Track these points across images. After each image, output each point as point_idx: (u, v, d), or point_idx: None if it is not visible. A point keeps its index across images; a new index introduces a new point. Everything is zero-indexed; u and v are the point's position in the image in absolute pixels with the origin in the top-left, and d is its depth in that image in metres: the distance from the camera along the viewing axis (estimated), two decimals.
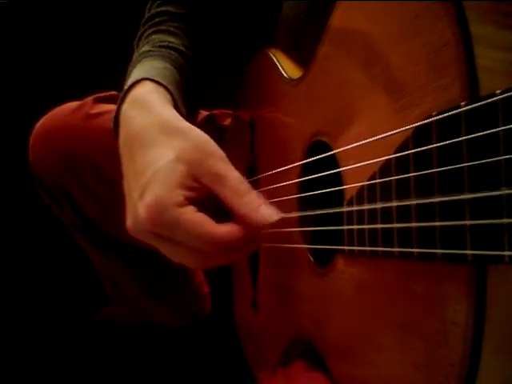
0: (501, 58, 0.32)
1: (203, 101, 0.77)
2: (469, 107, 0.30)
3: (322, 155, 0.52)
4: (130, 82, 0.56)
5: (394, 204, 0.38)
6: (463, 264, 0.33)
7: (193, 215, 0.45)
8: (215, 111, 0.94)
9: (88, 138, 0.81)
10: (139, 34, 0.70)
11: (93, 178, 0.84)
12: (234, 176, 0.47)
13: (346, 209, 0.47)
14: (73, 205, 0.87)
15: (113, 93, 0.85)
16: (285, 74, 0.67)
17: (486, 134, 0.29)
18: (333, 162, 0.50)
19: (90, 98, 0.87)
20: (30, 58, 1.37)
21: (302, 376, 0.58)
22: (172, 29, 0.68)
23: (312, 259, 0.57)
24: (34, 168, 0.86)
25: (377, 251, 0.41)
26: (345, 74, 0.49)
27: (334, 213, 0.50)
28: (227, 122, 0.92)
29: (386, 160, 0.39)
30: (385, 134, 0.39)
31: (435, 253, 0.33)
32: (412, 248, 0.36)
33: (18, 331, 1.23)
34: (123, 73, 0.62)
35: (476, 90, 0.31)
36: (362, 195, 0.43)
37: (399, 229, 0.37)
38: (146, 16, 0.71)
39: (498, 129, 0.28)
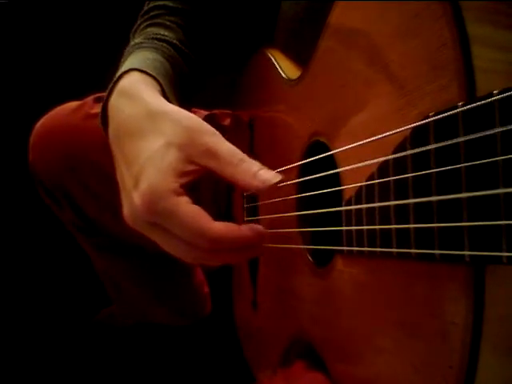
0: (498, 58, 0.32)
1: (202, 101, 0.77)
2: (466, 107, 0.30)
3: (321, 155, 0.52)
4: (118, 73, 0.56)
5: (392, 204, 0.38)
6: (461, 265, 0.33)
7: (187, 206, 0.45)
8: (215, 111, 0.94)
9: (88, 138, 0.81)
10: (135, 26, 0.69)
11: (93, 178, 0.84)
12: (226, 148, 0.46)
13: (344, 208, 0.47)
14: (73, 205, 0.87)
15: None
16: (283, 74, 0.67)
17: (484, 135, 0.29)
18: (331, 162, 0.50)
19: (90, 98, 0.88)
20: (30, 57, 1.37)
21: (302, 376, 0.58)
22: (168, 23, 0.68)
23: (311, 259, 0.57)
24: (34, 168, 0.86)
25: (375, 251, 0.41)
26: (343, 75, 0.49)
27: (332, 213, 0.50)
28: (227, 122, 0.92)
29: (384, 160, 0.39)
30: (383, 135, 0.39)
31: (433, 253, 0.33)
32: (410, 249, 0.36)
33: (17, 331, 1.23)
34: None
35: (473, 91, 0.31)
36: (360, 195, 0.43)
37: (397, 229, 0.37)
38: (144, 9, 0.70)
39: (495, 130, 0.28)
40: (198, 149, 0.46)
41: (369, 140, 0.41)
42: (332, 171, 0.49)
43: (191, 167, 0.46)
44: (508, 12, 0.33)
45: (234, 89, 0.86)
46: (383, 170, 0.39)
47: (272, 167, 0.65)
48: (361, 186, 0.43)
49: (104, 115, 0.56)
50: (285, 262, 0.65)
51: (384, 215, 0.39)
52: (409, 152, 0.35)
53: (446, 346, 0.34)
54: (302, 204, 0.59)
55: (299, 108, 0.60)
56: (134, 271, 0.96)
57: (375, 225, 0.40)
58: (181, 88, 0.63)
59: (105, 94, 0.85)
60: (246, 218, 0.78)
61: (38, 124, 0.86)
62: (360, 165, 0.43)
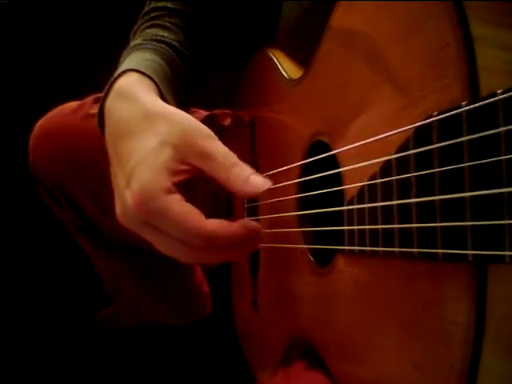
0: (502, 57, 0.32)
1: (202, 101, 0.77)
2: (470, 107, 0.30)
3: (322, 155, 0.52)
4: (115, 74, 0.56)
5: (395, 204, 0.38)
6: (464, 264, 0.33)
7: (180, 205, 0.45)
8: (215, 111, 0.94)
9: (88, 138, 0.81)
10: (135, 27, 0.69)
11: (92, 178, 0.84)
12: (219, 150, 0.46)
13: (346, 207, 0.47)
14: (73, 205, 0.87)
15: None
16: (285, 74, 0.67)
17: (487, 134, 0.29)
18: (333, 162, 0.50)
19: (89, 98, 0.87)
20: (30, 57, 1.37)
21: (302, 376, 0.58)
22: (168, 24, 0.67)
23: (312, 259, 0.57)
24: (34, 168, 0.86)
25: (377, 251, 0.41)
26: (345, 75, 0.49)
27: (334, 213, 0.50)
28: (227, 122, 0.92)
29: (387, 160, 0.39)
30: (385, 134, 0.39)
31: (436, 253, 0.34)
32: (413, 248, 0.36)
33: (16, 332, 1.23)
34: None
35: (477, 90, 0.32)
36: (362, 195, 0.43)
37: (400, 229, 0.37)
38: (144, 10, 0.70)
39: (499, 129, 0.28)
40: (192, 150, 0.46)
41: (371, 139, 0.41)
42: (334, 171, 0.49)
43: (184, 167, 0.46)
44: (509, 12, 0.33)
45: (235, 89, 0.86)
46: (386, 169, 0.39)
47: (273, 167, 0.66)
48: (363, 186, 0.43)
49: (101, 116, 0.55)
50: (285, 262, 0.65)
51: (386, 215, 0.39)
52: (412, 151, 0.36)
53: (448, 345, 0.34)
54: (304, 204, 0.59)
55: (301, 108, 0.60)
56: (133, 271, 0.96)
57: (377, 224, 0.40)
58: (180, 89, 0.63)
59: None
60: (246, 218, 0.78)
61: (38, 124, 0.86)
62: (362, 164, 0.43)
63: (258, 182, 0.46)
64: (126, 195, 0.46)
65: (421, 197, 0.35)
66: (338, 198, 0.49)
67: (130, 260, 0.93)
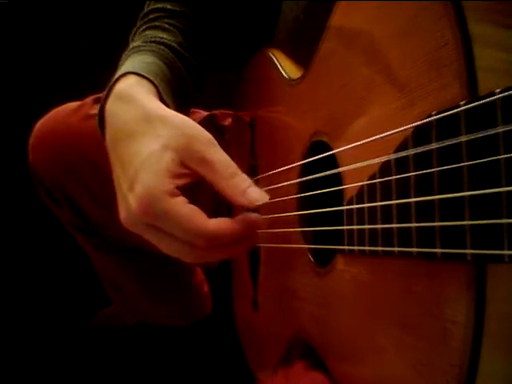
0: (500, 57, 0.32)
1: (202, 101, 0.77)
2: (468, 106, 0.30)
3: (322, 155, 0.52)
4: (115, 76, 0.56)
5: (394, 203, 0.38)
6: (463, 263, 0.33)
7: (184, 207, 0.45)
8: (215, 111, 0.94)
9: (87, 139, 0.81)
10: (134, 29, 0.69)
11: (92, 178, 0.84)
12: (220, 159, 0.46)
13: (346, 207, 0.47)
14: (72, 205, 0.87)
15: None
16: (284, 74, 0.67)
17: (486, 133, 0.29)
18: (332, 161, 0.50)
19: (89, 99, 0.87)
20: (30, 58, 1.37)
21: (303, 376, 0.58)
22: (166, 25, 0.67)
23: (312, 259, 0.57)
24: (34, 168, 0.86)
25: (377, 251, 0.41)
26: (344, 74, 0.49)
27: (333, 213, 0.50)
28: (227, 122, 0.92)
29: (386, 160, 0.39)
30: (384, 134, 0.39)
31: (435, 252, 0.34)
32: (412, 247, 0.36)
33: (16, 331, 1.23)
34: None
35: (475, 90, 0.32)
36: (361, 195, 0.43)
37: (399, 228, 0.37)
38: (143, 12, 0.70)
39: (497, 129, 0.28)
40: (193, 155, 0.46)
41: (370, 139, 0.41)
42: (334, 171, 0.49)
43: (186, 170, 0.47)
44: (508, 11, 0.33)
45: (235, 89, 0.86)
46: (385, 169, 0.39)
47: (273, 167, 0.66)
48: (362, 186, 0.43)
49: (101, 118, 0.56)
50: (285, 262, 0.65)
51: (386, 214, 0.39)
52: (411, 151, 0.36)
53: (447, 345, 0.34)
54: (303, 203, 0.59)
55: (300, 107, 0.60)
56: (133, 271, 0.96)
57: (377, 224, 0.40)
58: (179, 91, 0.63)
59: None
60: None
61: (38, 124, 0.86)
62: (362, 164, 0.43)
63: (255, 195, 0.46)
64: (130, 199, 0.47)
65: (420, 196, 0.35)
66: (338, 198, 0.49)
67: (130, 260, 0.93)
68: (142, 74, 0.55)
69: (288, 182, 0.61)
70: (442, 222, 0.33)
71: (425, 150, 0.34)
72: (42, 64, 1.38)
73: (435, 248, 0.33)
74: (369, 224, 0.42)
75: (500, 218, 0.28)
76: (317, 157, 0.53)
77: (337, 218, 0.49)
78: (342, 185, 0.48)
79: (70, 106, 0.87)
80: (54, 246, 1.32)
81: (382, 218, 0.40)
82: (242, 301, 0.86)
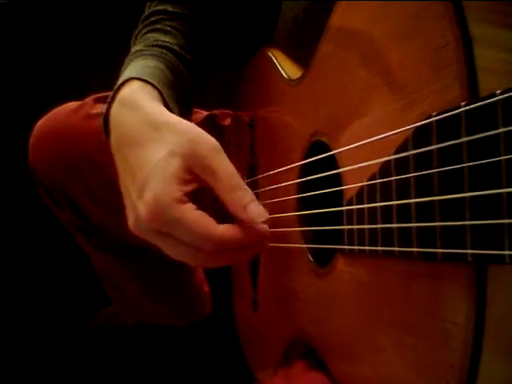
0: (501, 58, 0.32)
1: (202, 101, 0.77)
2: (469, 107, 0.30)
3: (322, 155, 0.52)
4: (119, 82, 0.56)
5: (394, 204, 0.38)
6: (463, 264, 0.33)
7: (192, 213, 0.46)
8: (215, 111, 0.94)
9: (88, 139, 0.81)
10: (136, 32, 0.69)
11: (92, 178, 0.84)
12: (225, 170, 0.47)
13: (346, 208, 0.47)
14: (72, 205, 0.87)
15: None
16: (284, 74, 0.67)
17: (486, 134, 0.29)
18: (332, 162, 0.50)
19: (90, 98, 0.87)
20: (30, 58, 1.37)
21: (303, 376, 0.58)
22: (168, 28, 0.67)
23: (312, 259, 0.57)
24: (34, 168, 0.86)
25: (377, 251, 0.41)
26: (344, 75, 0.49)
27: (333, 213, 0.50)
28: (227, 122, 0.92)
29: (386, 160, 0.39)
30: (385, 134, 0.39)
31: (435, 252, 0.33)
32: (412, 248, 0.36)
33: (16, 331, 1.23)
34: None
35: (476, 91, 0.31)
36: (361, 195, 0.43)
37: (399, 228, 0.37)
38: (144, 14, 0.70)
39: (498, 130, 0.28)
40: (198, 161, 0.47)
41: (371, 140, 0.41)
42: (334, 171, 0.49)
43: (192, 177, 0.47)
44: (508, 12, 0.33)
45: (235, 89, 0.86)
46: (385, 169, 0.39)
47: (273, 167, 0.66)
48: (362, 186, 0.43)
49: (106, 123, 0.56)
50: (285, 262, 0.65)
51: (386, 215, 0.39)
52: (411, 152, 0.35)
53: (448, 346, 0.34)
54: (303, 204, 0.59)
55: (300, 108, 0.60)
56: (133, 271, 0.96)
57: (377, 224, 0.40)
58: (182, 94, 0.64)
59: (105, 94, 0.85)
60: None
61: (38, 124, 0.86)
62: (362, 165, 0.43)
63: (255, 212, 0.47)
64: (139, 206, 0.47)
65: (420, 197, 0.35)
66: (338, 199, 0.49)
67: (130, 260, 0.93)
68: (146, 79, 0.56)
69: (288, 183, 0.61)
70: (443, 222, 0.33)
71: (425, 150, 0.34)
72: (42, 64, 1.38)
73: (436, 248, 0.33)
74: (369, 224, 0.42)
75: (501, 219, 0.28)
76: (316, 157, 0.53)
77: (337, 219, 0.49)
78: (341, 185, 0.48)
79: (70, 105, 0.87)
80: (54, 246, 1.32)
81: (382, 218, 0.40)
82: (241, 301, 0.86)
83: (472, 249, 0.30)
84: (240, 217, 0.46)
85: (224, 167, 0.47)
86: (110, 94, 0.56)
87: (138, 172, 0.48)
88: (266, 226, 0.48)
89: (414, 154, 0.35)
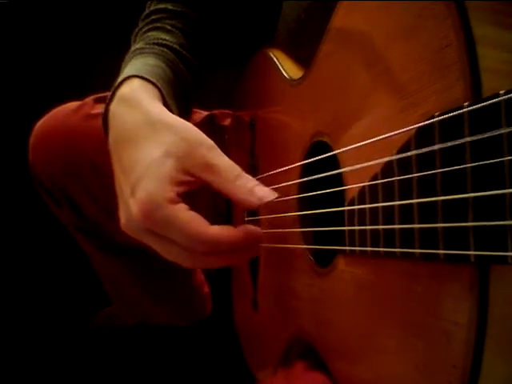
0: (504, 58, 0.32)
1: (202, 101, 0.77)
2: (472, 108, 0.30)
3: (323, 155, 0.52)
4: (118, 79, 0.56)
5: (396, 204, 0.38)
6: (465, 264, 0.32)
7: (185, 213, 0.46)
8: (215, 111, 0.94)
9: (88, 139, 0.81)
10: (136, 30, 0.69)
11: (92, 179, 0.84)
12: (223, 163, 0.47)
13: (347, 208, 0.47)
14: (72, 205, 0.87)
15: None
16: (285, 74, 0.67)
17: (490, 135, 0.29)
18: (334, 162, 0.50)
19: (90, 98, 0.87)
20: (30, 57, 1.37)
21: (303, 376, 0.58)
22: (168, 27, 0.68)
23: (312, 259, 0.57)
24: (34, 168, 0.86)
25: (378, 251, 0.41)
26: (346, 75, 0.49)
27: (334, 213, 0.50)
28: (227, 122, 0.92)
29: (389, 160, 0.39)
30: (387, 135, 0.39)
31: (437, 253, 0.33)
32: (414, 248, 0.36)
33: (16, 331, 1.23)
34: None
35: (479, 91, 0.31)
36: (363, 196, 0.43)
37: (401, 229, 0.37)
38: (145, 13, 0.70)
39: (501, 130, 0.28)
40: (195, 161, 0.47)
41: (373, 140, 0.41)
42: (335, 171, 0.49)
43: (188, 178, 0.47)
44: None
45: (235, 89, 0.86)
46: (387, 170, 0.39)
47: (273, 167, 0.66)
48: (364, 186, 0.43)
49: (105, 121, 0.56)
50: (286, 262, 0.65)
51: (388, 215, 0.39)
52: (414, 152, 0.35)
53: (450, 346, 0.34)
54: (304, 204, 0.59)
55: (301, 108, 0.60)
56: (133, 271, 0.96)
57: (379, 225, 0.40)
58: (182, 93, 0.64)
59: (105, 94, 0.85)
60: (246, 218, 0.78)
61: (38, 124, 0.86)
62: (364, 165, 0.43)
63: (263, 193, 0.46)
64: (131, 204, 0.47)
65: (422, 197, 0.35)
66: (339, 199, 0.49)
67: (130, 260, 0.93)
68: (146, 77, 0.56)
69: (289, 182, 0.61)
70: (445, 223, 0.33)
71: (428, 150, 0.34)
72: (42, 64, 1.38)
73: (438, 249, 0.33)
74: (370, 225, 0.42)
75: (504, 220, 0.28)
76: (318, 157, 0.53)
77: (338, 219, 0.49)
78: (343, 185, 0.48)
79: (70, 105, 0.87)
80: (54, 246, 1.32)
81: (384, 218, 0.40)
82: (241, 300, 0.86)
83: (475, 250, 0.30)
84: (248, 201, 0.46)
85: (222, 161, 0.47)
86: (110, 91, 0.56)
87: (132, 170, 0.48)
88: (259, 228, 0.48)
89: (417, 155, 0.35)
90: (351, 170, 0.46)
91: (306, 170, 0.58)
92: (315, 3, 0.64)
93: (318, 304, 0.55)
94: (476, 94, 0.31)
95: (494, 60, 0.32)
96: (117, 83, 0.56)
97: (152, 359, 1.09)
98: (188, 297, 1.04)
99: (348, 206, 0.47)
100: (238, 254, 0.48)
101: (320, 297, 0.55)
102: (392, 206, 0.38)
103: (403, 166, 0.37)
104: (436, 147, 0.33)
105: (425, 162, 0.34)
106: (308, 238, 0.59)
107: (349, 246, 0.46)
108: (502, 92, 0.28)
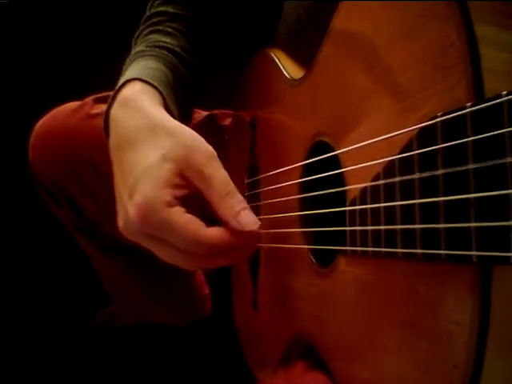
0: (506, 59, 0.32)
1: (202, 101, 0.77)
2: (474, 108, 0.30)
3: (325, 155, 0.52)
4: (120, 82, 0.56)
5: (398, 205, 0.38)
6: (467, 265, 0.32)
7: (182, 216, 0.46)
8: (215, 111, 0.94)
9: (88, 139, 0.81)
10: (137, 33, 0.69)
11: (92, 179, 0.84)
12: (218, 176, 0.47)
13: (348, 208, 0.47)
14: (72, 205, 0.87)
15: None
16: (286, 74, 0.67)
17: (492, 135, 0.29)
18: (335, 162, 0.50)
19: (90, 99, 0.87)
20: (30, 57, 1.37)
21: (303, 376, 0.58)
22: (169, 29, 0.68)
23: (313, 259, 0.57)
24: (34, 168, 0.86)
25: (380, 252, 0.41)
26: (348, 75, 0.49)
27: (335, 214, 0.50)
28: (227, 122, 0.92)
29: (390, 161, 0.39)
30: (389, 135, 0.39)
31: (439, 254, 0.33)
32: (416, 249, 0.36)
33: (16, 331, 1.23)
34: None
35: (481, 91, 0.31)
36: (365, 196, 0.43)
37: (403, 229, 0.37)
38: (145, 15, 0.70)
39: (504, 131, 0.28)
40: (191, 166, 0.47)
41: (375, 140, 0.41)
42: (337, 171, 0.49)
43: (185, 182, 0.47)
44: None
45: (235, 89, 0.86)
46: (389, 170, 0.39)
47: (274, 167, 0.66)
48: (366, 187, 0.43)
49: (106, 124, 0.56)
50: (286, 262, 0.65)
51: (389, 215, 0.39)
52: (416, 152, 0.35)
53: (451, 346, 0.34)
54: (305, 204, 0.59)
55: (302, 108, 0.60)
56: (133, 271, 0.96)
57: (380, 225, 0.40)
58: (183, 95, 0.64)
59: (105, 94, 0.85)
60: None
61: (38, 124, 0.86)
62: (365, 165, 0.43)
63: (247, 220, 0.47)
64: (129, 208, 0.47)
65: (424, 198, 0.35)
66: (340, 199, 0.49)
67: (130, 261, 0.93)
68: (147, 80, 0.56)
69: (290, 182, 0.61)
70: (447, 223, 0.33)
71: (430, 150, 0.34)
72: (42, 64, 1.38)
73: (440, 249, 0.33)
74: (372, 225, 0.42)
75: (506, 220, 0.28)
76: (320, 157, 0.53)
77: (339, 219, 0.49)
78: (344, 185, 0.48)
79: (70, 105, 0.87)
80: (54, 246, 1.32)
81: (386, 219, 0.40)
82: (241, 301, 0.86)
83: (477, 250, 0.30)
84: (231, 224, 0.46)
85: (218, 174, 0.47)
86: (111, 93, 0.56)
87: (130, 173, 0.48)
88: (257, 219, 0.48)
89: (419, 155, 0.35)
90: (353, 171, 0.46)
91: (307, 170, 0.58)
92: (316, 3, 0.64)
93: (319, 304, 0.55)
94: (478, 95, 0.31)
95: (496, 60, 0.32)
96: (118, 86, 0.56)
97: (152, 359, 1.09)
98: (188, 297, 1.04)
99: (349, 206, 0.47)
100: (236, 253, 0.49)
101: (321, 297, 0.55)
102: (394, 206, 0.38)
103: (405, 166, 0.37)
104: (438, 147, 0.33)
105: (427, 162, 0.34)
106: (309, 238, 0.59)
107: (350, 246, 0.46)
108: (504, 93, 0.28)
